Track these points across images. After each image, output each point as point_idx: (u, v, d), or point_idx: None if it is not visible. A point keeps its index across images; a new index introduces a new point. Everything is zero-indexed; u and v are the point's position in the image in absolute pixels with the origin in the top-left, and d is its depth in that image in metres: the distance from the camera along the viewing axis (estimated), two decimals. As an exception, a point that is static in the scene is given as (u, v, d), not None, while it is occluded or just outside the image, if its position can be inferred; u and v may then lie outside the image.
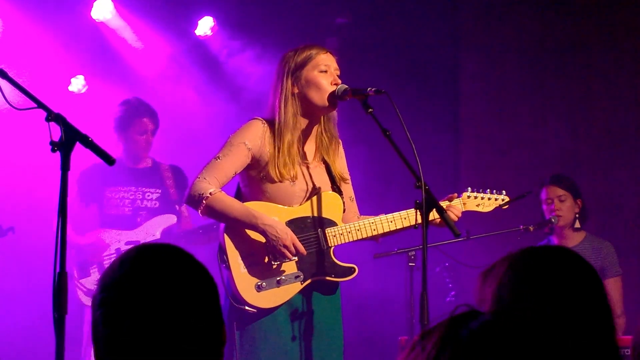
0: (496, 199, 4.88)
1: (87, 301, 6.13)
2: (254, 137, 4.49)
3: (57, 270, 3.29)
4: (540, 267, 2.24)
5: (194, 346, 1.91)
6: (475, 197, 4.80)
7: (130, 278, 1.93)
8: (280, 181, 4.46)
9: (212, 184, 4.41)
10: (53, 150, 3.38)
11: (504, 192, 4.92)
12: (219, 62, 8.18)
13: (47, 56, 7.38)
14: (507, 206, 4.92)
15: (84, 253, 6.31)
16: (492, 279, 2.29)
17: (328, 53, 4.61)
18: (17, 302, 6.86)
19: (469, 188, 4.81)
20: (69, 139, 3.37)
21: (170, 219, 6.52)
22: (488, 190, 4.86)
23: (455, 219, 4.57)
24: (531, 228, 6.03)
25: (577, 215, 6.39)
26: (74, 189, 6.52)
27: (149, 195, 6.58)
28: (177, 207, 6.64)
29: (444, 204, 4.59)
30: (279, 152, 4.46)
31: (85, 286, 6.29)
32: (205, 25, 8.15)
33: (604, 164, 7.69)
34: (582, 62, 7.91)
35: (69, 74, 7.79)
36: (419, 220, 4.13)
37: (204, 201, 4.38)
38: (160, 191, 6.62)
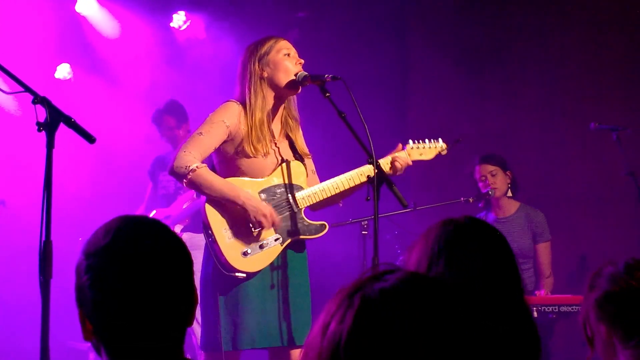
0: (435, 147, 4.91)
1: None
2: (232, 115, 4.48)
3: (43, 238, 3.28)
4: (461, 236, 2.28)
5: (171, 307, 1.96)
6: (418, 147, 4.83)
7: (115, 245, 1.95)
8: (255, 156, 4.47)
9: (197, 159, 4.40)
10: (39, 130, 3.35)
11: (440, 139, 4.93)
12: (190, 51, 8.17)
13: (35, 45, 7.31)
14: (446, 152, 4.93)
15: None
16: (419, 249, 2.31)
17: (285, 40, 4.65)
18: (7, 269, 6.80)
19: (410, 140, 4.83)
20: (54, 119, 3.34)
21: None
22: (426, 140, 4.88)
23: (405, 165, 4.63)
24: (471, 200, 6.10)
25: (509, 185, 6.45)
26: (148, 185, 7.11)
27: None
28: None
29: (391, 157, 4.67)
30: (252, 129, 4.46)
31: None
32: (179, 19, 8.11)
33: (535, 141, 7.75)
34: (517, 52, 7.96)
35: (55, 62, 7.74)
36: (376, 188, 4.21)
37: (190, 174, 4.36)
38: None
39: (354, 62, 7.87)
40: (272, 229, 4.46)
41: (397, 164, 4.65)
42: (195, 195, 6.54)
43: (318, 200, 4.59)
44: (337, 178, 4.61)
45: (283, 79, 4.52)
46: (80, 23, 7.75)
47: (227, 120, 4.47)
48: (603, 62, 7.64)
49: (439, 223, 2.34)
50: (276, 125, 4.63)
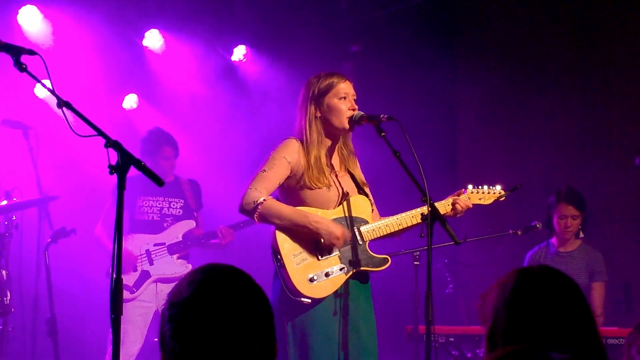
0: (494, 193, 4.84)
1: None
2: (292, 152, 4.46)
3: (114, 276, 3.21)
4: (533, 289, 2.20)
5: None
6: (477, 192, 4.78)
7: (197, 299, 1.91)
8: (318, 187, 4.43)
9: (263, 193, 4.36)
10: (111, 173, 3.29)
11: (498, 186, 4.87)
12: (248, 83, 8.18)
13: (105, 77, 7.38)
14: (503, 198, 4.86)
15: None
16: (493, 297, 2.24)
17: (347, 81, 4.56)
18: (73, 296, 6.78)
19: (470, 185, 4.78)
20: (125, 163, 3.28)
21: (191, 224, 6.47)
22: (485, 186, 4.83)
23: (465, 208, 4.61)
24: (519, 232, 5.75)
25: (580, 227, 6.20)
26: (109, 199, 6.51)
27: (174, 205, 6.51)
28: (195, 214, 6.64)
29: (452, 198, 4.63)
30: (309, 165, 4.44)
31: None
32: (239, 53, 8.12)
33: (578, 171, 7.59)
34: (562, 80, 7.85)
35: (123, 92, 7.80)
36: (428, 222, 4.17)
37: (259, 207, 4.32)
38: (182, 201, 6.57)
39: (404, 96, 7.81)
40: (337, 259, 4.41)
41: (458, 206, 4.61)
42: (194, 227, 6.44)
43: (382, 234, 4.53)
44: (399, 215, 4.55)
45: (336, 121, 4.48)
46: (148, 55, 7.81)
47: (288, 157, 4.44)
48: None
49: (514, 272, 2.26)
50: (335, 159, 4.60)
